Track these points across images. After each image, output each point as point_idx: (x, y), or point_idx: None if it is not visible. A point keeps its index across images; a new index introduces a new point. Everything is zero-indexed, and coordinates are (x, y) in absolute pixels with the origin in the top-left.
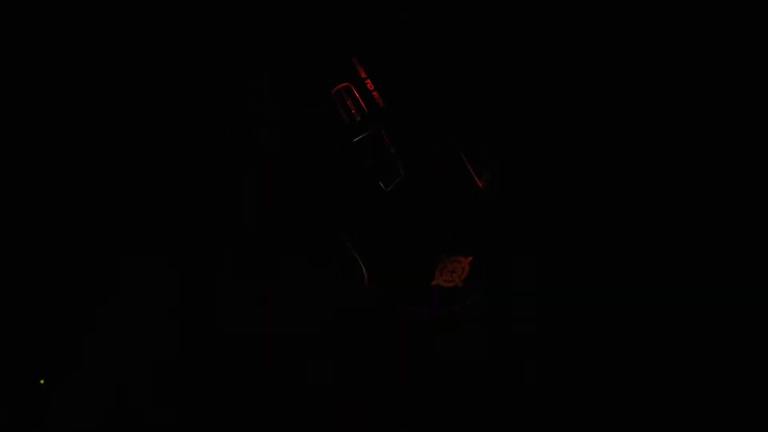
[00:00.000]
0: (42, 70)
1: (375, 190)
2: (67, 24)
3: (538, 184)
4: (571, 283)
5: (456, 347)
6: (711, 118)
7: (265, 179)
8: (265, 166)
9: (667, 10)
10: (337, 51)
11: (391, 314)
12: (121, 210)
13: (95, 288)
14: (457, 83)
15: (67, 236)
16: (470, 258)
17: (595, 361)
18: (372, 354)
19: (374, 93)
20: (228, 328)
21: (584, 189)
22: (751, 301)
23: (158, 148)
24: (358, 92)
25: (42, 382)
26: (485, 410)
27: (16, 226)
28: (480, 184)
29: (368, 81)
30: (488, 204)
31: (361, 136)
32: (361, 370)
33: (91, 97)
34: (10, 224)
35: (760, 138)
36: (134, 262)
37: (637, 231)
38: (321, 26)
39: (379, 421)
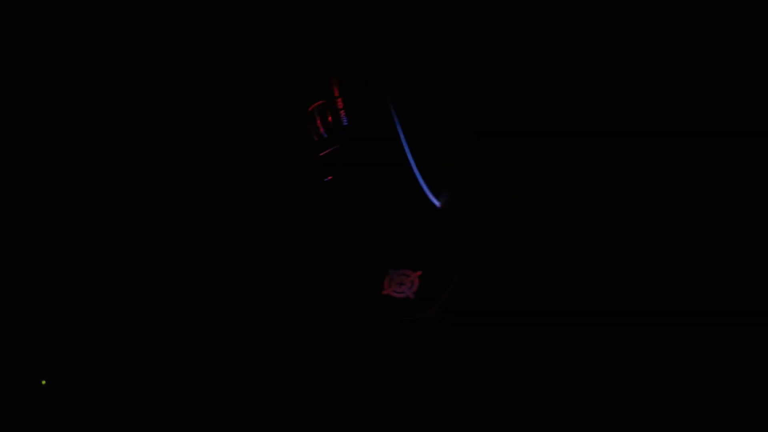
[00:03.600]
0: (42, 70)
1: (332, 204)
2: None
3: (494, 205)
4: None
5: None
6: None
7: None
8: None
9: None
10: (319, 68)
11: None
12: (120, 211)
13: (94, 288)
14: (421, 103)
15: (67, 237)
16: (419, 272)
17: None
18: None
19: (341, 112)
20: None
21: (538, 209)
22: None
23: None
24: (331, 110)
25: (43, 382)
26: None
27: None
28: (437, 204)
29: (339, 100)
30: (441, 222)
31: (325, 152)
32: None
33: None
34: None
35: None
36: (132, 262)
37: (589, 252)
38: (308, 41)
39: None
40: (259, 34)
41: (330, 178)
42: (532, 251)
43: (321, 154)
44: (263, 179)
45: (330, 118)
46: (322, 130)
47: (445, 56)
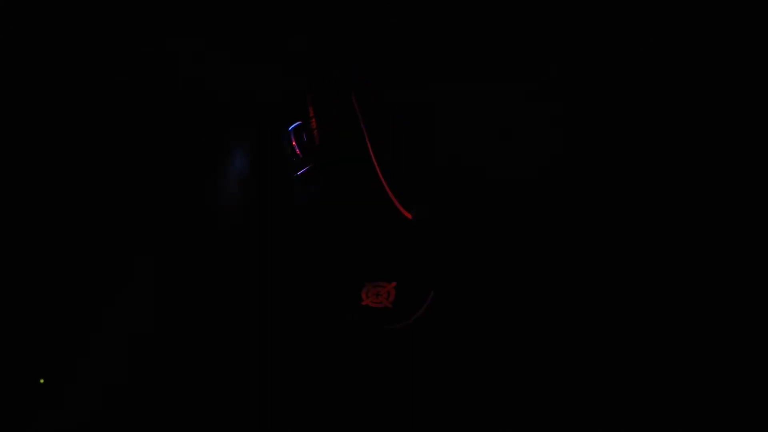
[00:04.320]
0: (42, 70)
1: (307, 220)
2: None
3: (467, 218)
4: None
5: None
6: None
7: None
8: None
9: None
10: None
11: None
12: (118, 213)
13: (94, 288)
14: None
15: (67, 237)
16: (393, 283)
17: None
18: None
19: (314, 131)
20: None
21: (511, 222)
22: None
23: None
24: (306, 130)
25: (42, 381)
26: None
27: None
28: (409, 216)
29: (313, 119)
30: (413, 234)
31: (301, 171)
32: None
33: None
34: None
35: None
36: (130, 264)
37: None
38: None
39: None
40: (259, 34)
41: (303, 171)
42: (506, 259)
43: (298, 173)
44: (261, 187)
45: (305, 138)
46: (297, 150)
47: (445, 56)
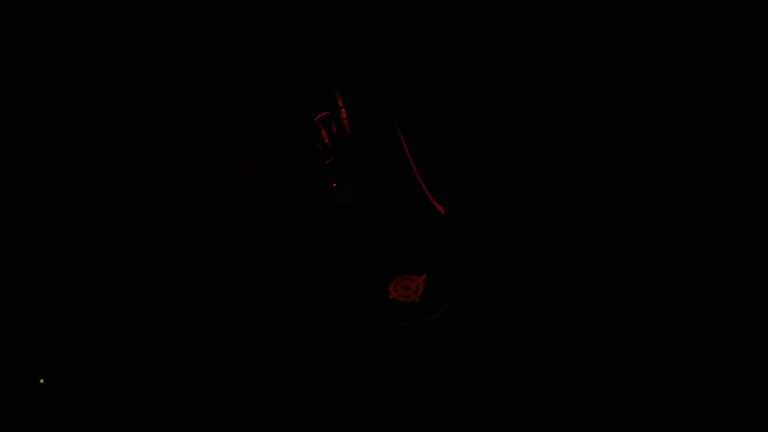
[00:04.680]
0: (42, 70)
1: (336, 209)
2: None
3: (504, 210)
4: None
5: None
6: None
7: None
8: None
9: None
10: (319, 68)
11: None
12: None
13: (94, 288)
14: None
15: (66, 237)
16: (423, 276)
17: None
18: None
19: (345, 121)
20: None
21: (547, 215)
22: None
23: (149, 154)
24: (335, 120)
25: (42, 381)
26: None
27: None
28: (442, 210)
29: (343, 110)
30: (446, 228)
31: (330, 160)
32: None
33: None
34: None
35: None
36: (127, 264)
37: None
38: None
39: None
40: (259, 34)
41: (335, 185)
42: (535, 254)
43: (326, 162)
44: (264, 184)
45: (334, 129)
46: (327, 140)
47: (445, 56)
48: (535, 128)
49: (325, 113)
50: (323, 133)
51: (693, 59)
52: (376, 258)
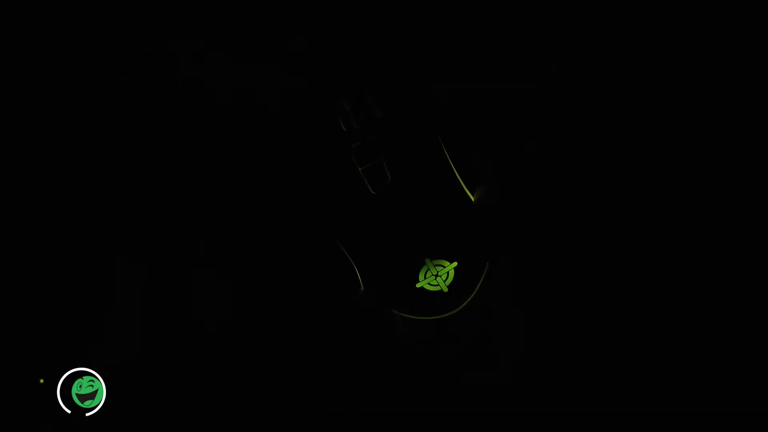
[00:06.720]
0: (42, 70)
1: (365, 194)
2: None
3: (531, 197)
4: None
5: (445, 348)
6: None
7: (263, 183)
8: (265, 170)
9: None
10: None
11: (386, 317)
12: (116, 213)
13: (93, 289)
14: (454, 95)
15: (65, 239)
16: (455, 263)
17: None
18: (365, 355)
19: (374, 104)
20: (219, 328)
21: (574, 202)
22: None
23: (155, 149)
24: (359, 103)
25: (42, 381)
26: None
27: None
28: (472, 196)
29: (369, 93)
30: (477, 214)
31: (357, 143)
32: (354, 371)
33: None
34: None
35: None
36: (127, 264)
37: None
38: (329, 35)
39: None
40: (259, 34)
41: (360, 144)
42: (566, 242)
43: (354, 145)
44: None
45: (362, 110)
46: (356, 124)
47: (445, 56)
48: (535, 128)
49: (356, 93)
50: (349, 114)
51: (693, 59)
52: (407, 243)
